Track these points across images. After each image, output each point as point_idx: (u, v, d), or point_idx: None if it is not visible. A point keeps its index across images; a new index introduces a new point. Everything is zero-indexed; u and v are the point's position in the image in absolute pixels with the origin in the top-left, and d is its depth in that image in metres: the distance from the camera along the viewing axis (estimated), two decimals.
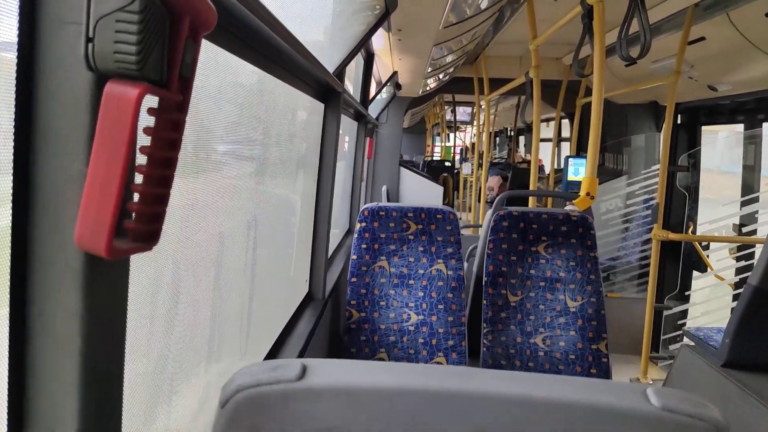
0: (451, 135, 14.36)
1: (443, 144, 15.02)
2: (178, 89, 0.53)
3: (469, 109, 13.29)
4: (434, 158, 14.01)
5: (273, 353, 1.70)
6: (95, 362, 0.57)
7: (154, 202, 0.55)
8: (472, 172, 9.06)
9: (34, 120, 0.53)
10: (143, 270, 0.80)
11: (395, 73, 4.69)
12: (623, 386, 0.56)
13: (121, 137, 0.48)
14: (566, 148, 7.11)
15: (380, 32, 3.29)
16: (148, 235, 0.55)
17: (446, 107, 12.60)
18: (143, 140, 0.53)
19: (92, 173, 0.49)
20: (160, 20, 0.50)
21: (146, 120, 0.53)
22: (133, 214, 0.53)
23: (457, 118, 13.17)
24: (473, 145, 12.87)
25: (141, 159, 0.53)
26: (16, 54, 0.53)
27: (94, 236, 0.50)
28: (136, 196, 0.53)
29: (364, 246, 2.54)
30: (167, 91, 0.52)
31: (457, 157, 13.61)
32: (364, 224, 2.53)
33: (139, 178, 0.54)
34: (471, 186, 9.03)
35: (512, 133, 13.30)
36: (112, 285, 0.59)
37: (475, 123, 14.53)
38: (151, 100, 0.52)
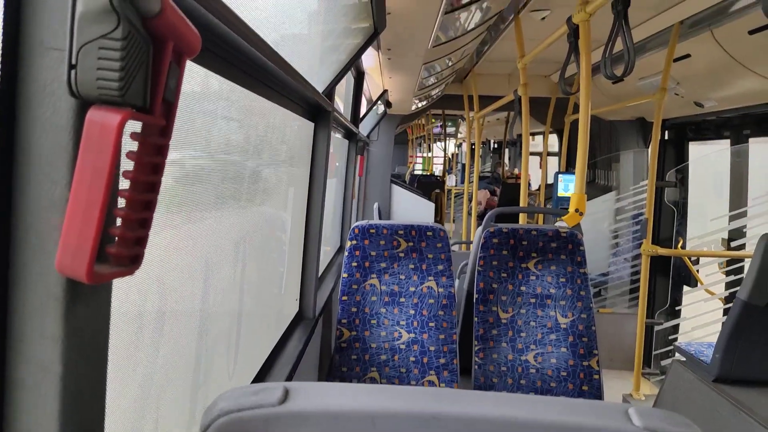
0: (432, 146, 14.53)
1: (430, 155, 15.18)
2: (161, 114, 0.54)
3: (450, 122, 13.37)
4: (423, 173, 14.10)
5: (263, 373, 1.69)
6: (76, 388, 0.56)
7: (137, 227, 0.55)
8: (456, 184, 9.10)
9: (15, 144, 0.53)
10: (128, 293, 0.79)
11: (386, 91, 4.73)
12: (606, 406, 0.56)
13: (103, 162, 0.49)
14: (552, 163, 7.17)
15: (370, 51, 3.32)
16: (130, 260, 0.55)
17: (434, 120, 12.72)
18: (126, 165, 0.53)
19: (74, 198, 0.49)
20: (144, 46, 0.50)
21: (129, 145, 0.53)
22: (116, 239, 0.53)
23: (439, 131, 13.31)
24: (454, 155, 12.96)
25: (124, 183, 0.53)
26: None
27: (75, 261, 0.49)
28: (118, 221, 0.53)
29: (354, 264, 2.53)
30: (150, 116, 0.52)
31: (439, 167, 13.74)
32: (354, 242, 2.53)
33: (122, 203, 0.54)
34: (453, 198, 9.08)
35: (495, 146, 13.41)
36: (94, 310, 0.59)
37: (459, 135, 14.69)
38: (134, 125, 0.53)
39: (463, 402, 0.55)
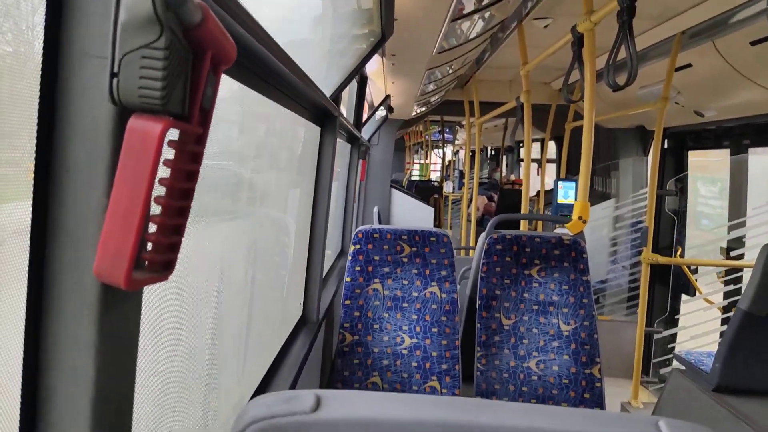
0: (430, 153, 14.59)
1: (428, 161, 15.24)
2: (198, 122, 0.54)
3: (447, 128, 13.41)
4: (421, 178, 14.16)
5: (269, 376, 1.69)
6: (108, 394, 0.57)
7: (171, 233, 0.55)
8: (453, 190, 9.13)
9: (54, 150, 0.54)
10: (150, 300, 0.80)
11: (388, 96, 4.74)
12: (635, 419, 0.56)
13: (143, 170, 0.49)
14: (549, 170, 7.19)
15: (375, 56, 3.33)
16: (164, 266, 0.55)
17: (432, 126, 12.75)
18: (162, 172, 0.53)
19: (113, 205, 0.50)
20: (184, 56, 0.51)
21: (166, 152, 0.53)
22: (150, 245, 0.54)
23: (436, 137, 13.35)
24: (451, 162, 13.02)
25: (159, 190, 0.54)
26: (39, 84, 0.53)
27: (114, 267, 0.50)
28: (153, 227, 0.54)
29: (357, 268, 2.54)
30: (188, 124, 0.53)
31: (436, 174, 13.80)
32: (358, 246, 2.54)
33: (156, 209, 0.54)
34: (450, 204, 9.11)
35: (492, 153, 13.45)
36: (126, 316, 0.59)
37: (456, 142, 14.75)
38: (171, 133, 0.53)
39: (493, 412, 0.55)
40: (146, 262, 0.54)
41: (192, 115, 0.53)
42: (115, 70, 0.50)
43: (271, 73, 1.35)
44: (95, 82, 0.52)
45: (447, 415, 0.54)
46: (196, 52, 0.52)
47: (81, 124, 0.53)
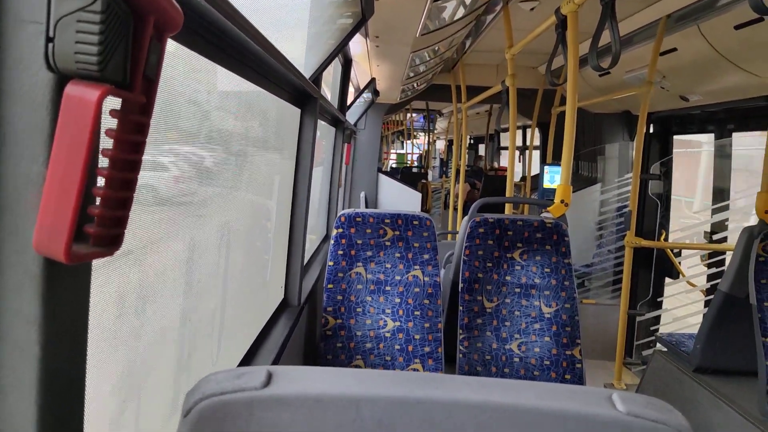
0: (408, 142, 14.63)
1: (405, 151, 15.24)
2: (141, 91, 0.52)
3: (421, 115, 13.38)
4: (402, 165, 14.15)
5: (247, 360, 1.68)
6: (55, 369, 0.55)
7: (116, 206, 0.53)
8: (433, 179, 9.14)
9: None
10: (109, 275, 0.78)
11: (373, 79, 4.70)
12: (589, 391, 0.56)
13: (81, 139, 0.47)
14: (533, 156, 7.19)
15: (358, 38, 3.30)
16: (109, 240, 0.54)
17: (413, 116, 12.72)
18: (106, 143, 0.52)
19: (51, 176, 0.48)
20: (124, 20, 0.49)
21: (109, 122, 0.52)
22: (95, 218, 0.52)
23: (422, 124, 13.32)
24: (428, 152, 13.05)
25: (104, 162, 0.52)
26: None
27: (53, 241, 0.48)
28: (98, 200, 0.52)
29: (340, 252, 2.53)
30: (130, 93, 0.51)
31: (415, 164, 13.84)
32: (340, 230, 2.52)
33: (101, 182, 0.52)
34: (431, 192, 9.13)
35: (471, 141, 13.46)
36: (73, 291, 0.57)
37: (435, 131, 14.73)
38: (114, 102, 0.51)
39: (447, 386, 0.55)
40: (91, 236, 0.52)
41: (134, 83, 0.51)
42: (51, 34, 0.48)
43: (247, 52, 1.32)
44: (31, 49, 0.50)
45: (399, 390, 0.53)
46: (137, 17, 0.50)
47: (18, 93, 0.51)
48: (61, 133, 0.48)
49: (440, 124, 13.96)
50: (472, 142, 13.60)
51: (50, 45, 0.48)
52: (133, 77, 0.51)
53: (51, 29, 0.48)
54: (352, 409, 0.53)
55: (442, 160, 11.32)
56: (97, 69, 0.47)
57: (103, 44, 0.47)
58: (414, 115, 12.92)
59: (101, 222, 0.52)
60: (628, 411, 0.53)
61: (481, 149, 12.87)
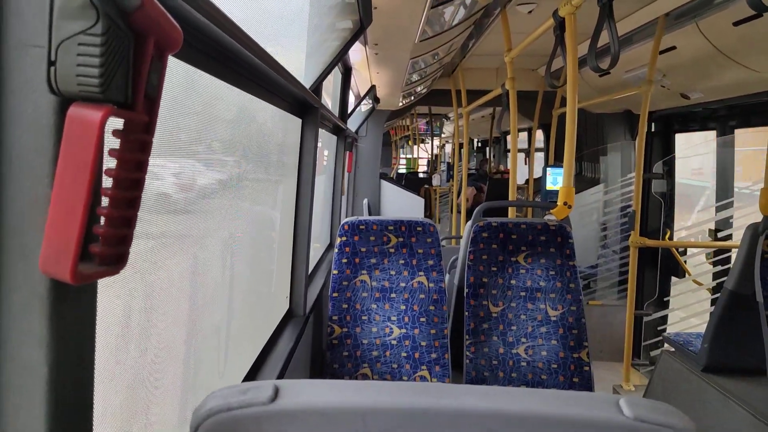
0: (415, 147, 14.61)
1: (413, 156, 15.23)
2: (143, 110, 0.53)
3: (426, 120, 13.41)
4: (409, 171, 14.17)
5: (254, 372, 1.68)
6: (63, 390, 0.56)
7: (120, 225, 0.54)
8: (441, 183, 9.14)
9: None
10: (117, 293, 0.78)
11: (373, 86, 4.71)
12: (596, 397, 0.56)
13: (85, 160, 0.48)
14: (537, 158, 7.19)
15: (357, 46, 3.31)
16: (114, 259, 0.54)
17: (418, 120, 12.73)
18: (110, 163, 0.52)
19: (56, 197, 0.49)
20: (124, 41, 0.49)
21: (112, 142, 0.52)
22: (100, 238, 0.52)
23: (426, 128, 13.32)
24: (438, 156, 13.05)
25: (108, 182, 0.53)
26: None
27: (59, 261, 0.49)
28: (102, 220, 0.52)
29: (344, 260, 2.53)
30: (132, 112, 0.51)
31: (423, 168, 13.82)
32: (344, 238, 2.53)
33: (105, 201, 0.53)
34: (439, 197, 9.13)
35: (479, 144, 13.45)
36: (80, 311, 0.58)
37: (443, 135, 14.74)
38: (116, 122, 0.52)
39: (453, 396, 0.55)
40: (96, 256, 0.52)
41: (136, 102, 0.52)
42: (53, 58, 0.48)
43: (246, 66, 1.33)
44: (34, 72, 0.51)
45: (404, 401, 0.53)
46: (137, 38, 0.51)
47: (21, 116, 0.51)
48: (65, 155, 0.48)
49: (448, 128, 13.98)
50: (479, 145, 13.60)
51: (52, 68, 0.48)
52: (134, 97, 0.51)
53: (53, 53, 0.48)
54: (358, 421, 0.53)
55: (449, 164, 11.31)
56: (99, 91, 0.47)
57: (105, 66, 0.47)
58: (420, 119, 12.94)
59: (106, 241, 0.53)
60: (635, 416, 0.53)
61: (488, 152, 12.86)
